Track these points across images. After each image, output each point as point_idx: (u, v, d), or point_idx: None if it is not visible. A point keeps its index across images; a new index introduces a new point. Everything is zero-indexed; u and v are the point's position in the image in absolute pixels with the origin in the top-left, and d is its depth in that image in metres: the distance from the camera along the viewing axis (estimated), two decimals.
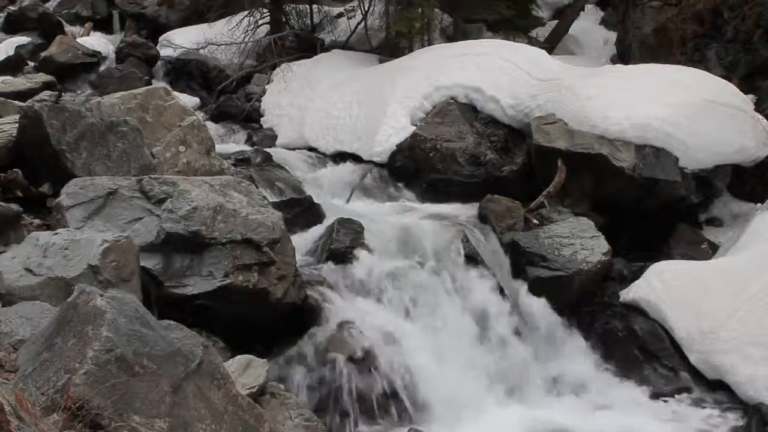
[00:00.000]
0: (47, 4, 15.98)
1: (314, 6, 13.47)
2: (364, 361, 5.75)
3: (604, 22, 14.97)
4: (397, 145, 8.93)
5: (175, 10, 15.50)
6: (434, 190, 8.67)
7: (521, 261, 7.02)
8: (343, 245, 6.60)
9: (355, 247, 6.62)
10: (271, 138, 10.54)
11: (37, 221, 5.83)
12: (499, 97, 8.97)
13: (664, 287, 6.58)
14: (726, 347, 6.05)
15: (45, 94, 10.13)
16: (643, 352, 6.49)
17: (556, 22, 14.41)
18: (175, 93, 8.95)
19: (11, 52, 13.61)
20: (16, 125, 6.50)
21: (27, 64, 13.18)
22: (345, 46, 12.56)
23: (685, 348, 6.30)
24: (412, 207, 8.26)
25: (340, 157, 9.35)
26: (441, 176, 8.75)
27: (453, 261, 6.85)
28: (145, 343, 3.26)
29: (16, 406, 2.66)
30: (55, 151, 6.14)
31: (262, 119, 11.14)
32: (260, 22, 12.83)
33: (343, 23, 13.42)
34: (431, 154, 8.82)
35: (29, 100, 9.10)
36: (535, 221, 7.52)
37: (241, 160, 8.65)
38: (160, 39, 13.99)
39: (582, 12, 14.47)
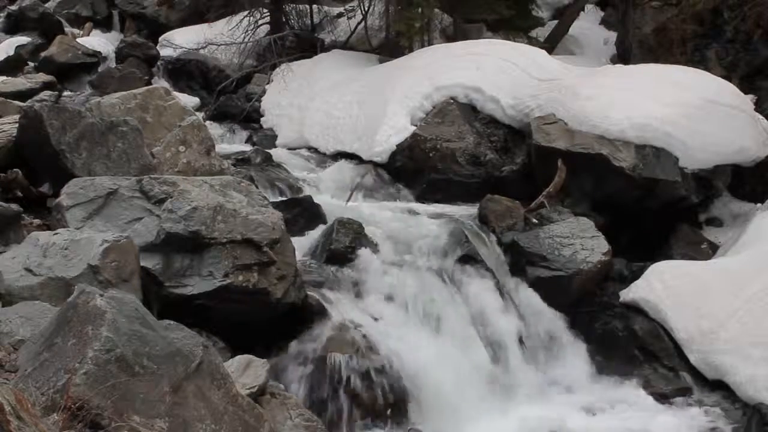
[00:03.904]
0: (47, 4, 15.96)
1: (314, 6, 13.47)
2: (364, 361, 5.74)
3: (604, 22, 14.95)
4: (397, 145, 8.92)
5: (175, 10, 15.50)
6: (434, 190, 8.66)
7: (521, 261, 7.02)
8: (342, 245, 6.60)
9: (354, 247, 6.62)
10: (271, 138, 10.54)
11: (37, 221, 5.84)
12: (499, 97, 8.96)
13: (664, 287, 6.58)
14: (726, 347, 6.05)
15: (45, 94, 10.16)
16: (643, 352, 6.48)
17: (556, 22, 14.40)
18: (175, 93, 8.96)
19: (11, 52, 13.61)
20: (16, 125, 6.51)
21: (27, 64, 13.18)
22: (345, 46, 12.55)
23: (685, 348, 6.29)
24: (412, 207, 8.25)
25: (340, 157, 9.36)
26: (441, 176, 8.74)
27: (453, 261, 6.85)
28: (145, 343, 3.26)
29: (16, 406, 2.66)
30: (55, 151, 6.15)
31: (262, 119, 11.14)
32: (260, 22, 12.83)
33: (343, 23, 13.41)
34: (431, 154, 8.81)
35: (29, 100, 9.13)
36: (535, 221, 7.51)
37: (241, 160, 8.66)
38: (160, 39, 13.99)
39: (582, 12, 14.45)
